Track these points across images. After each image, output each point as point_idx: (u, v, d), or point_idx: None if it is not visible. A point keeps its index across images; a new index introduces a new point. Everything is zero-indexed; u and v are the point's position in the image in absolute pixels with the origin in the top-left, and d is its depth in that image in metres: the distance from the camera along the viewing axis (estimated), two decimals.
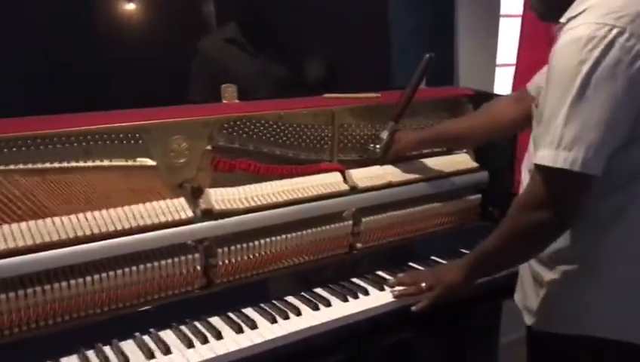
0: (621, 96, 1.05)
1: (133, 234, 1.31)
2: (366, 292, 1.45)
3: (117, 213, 1.31)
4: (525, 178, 1.36)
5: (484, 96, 1.93)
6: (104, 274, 1.28)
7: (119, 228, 1.30)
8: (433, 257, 1.69)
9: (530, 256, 1.27)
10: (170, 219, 1.35)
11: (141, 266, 1.33)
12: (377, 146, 1.70)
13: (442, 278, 1.39)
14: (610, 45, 1.04)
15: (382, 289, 1.47)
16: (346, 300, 1.42)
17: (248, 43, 1.79)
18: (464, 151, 1.94)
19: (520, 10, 2.22)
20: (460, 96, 1.93)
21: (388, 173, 1.70)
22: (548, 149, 1.11)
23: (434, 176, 1.77)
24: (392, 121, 1.70)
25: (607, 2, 1.10)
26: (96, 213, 1.30)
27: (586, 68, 1.05)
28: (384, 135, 1.69)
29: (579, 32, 1.07)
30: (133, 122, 1.38)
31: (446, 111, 1.92)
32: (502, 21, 2.27)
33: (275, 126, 1.58)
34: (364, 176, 1.66)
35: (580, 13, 1.14)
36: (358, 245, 1.67)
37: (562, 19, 1.19)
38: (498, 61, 2.30)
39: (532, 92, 1.52)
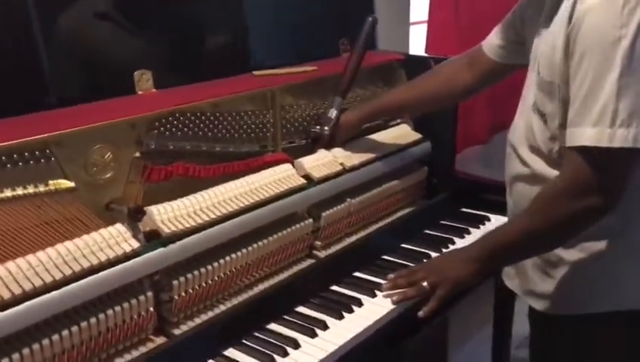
0: None
1: (57, 287, 0.96)
2: (359, 303, 1.23)
3: (29, 262, 0.95)
4: (522, 152, 1.20)
5: (416, 60, 1.77)
6: (25, 351, 0.94)
7: (37, 283, 0.94)
8: (403, 245, 1.50)
9: (565, 242, 1.12)
10: (112, 255, 1.03)
11: (73, 328, 0.98)
12: (326, 128, 1.47)
13: (446, 273, 1.21)
14: None
15: (373, 294, 1.26)
16: (341, 317, 1.19)
17: (124, 18, 1.40)
18: (399, 121, 1.77)
19: None
20: (392, 62, 1.74)
21: (338, 157, 1.48)
22: (597, 127, 0.96)
23: (385, 154, 1.58)
24: (338, 96, 1.47)
25: None
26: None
27: (631, 32, 0.93)
28: (332, 113, 1.46)
29: None
30: (40, 134, 1.02)
31: (380, 80, 1.74)
32: None
33: (212, 117, 1.29)
34: (316, 164, 1.43)
35: None
36: (318, 243, 1.44)
37: None
38: (411, 19, 2.15)
39: (489, 53, 1.37)
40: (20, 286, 0.93)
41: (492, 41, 1.37)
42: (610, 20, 0.93)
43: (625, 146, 0.95)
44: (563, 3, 1.05)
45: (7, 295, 0.92)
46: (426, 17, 2.12)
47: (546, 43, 1.09)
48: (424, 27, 2.14)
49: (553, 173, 1.13)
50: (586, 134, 0.98)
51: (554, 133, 1.10)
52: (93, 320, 1.01)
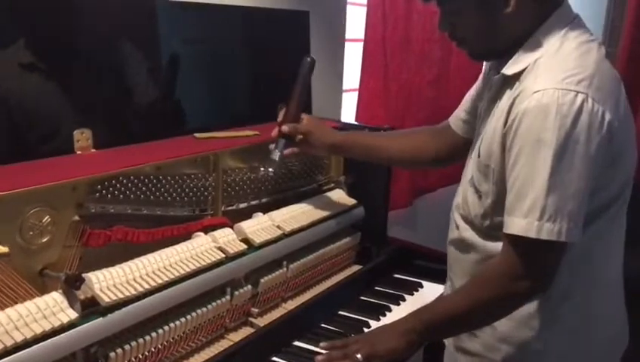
0: (594, 161, 1.03)
1: None
2: None
3: None
4: (457, 219, 1.27)
5: (351, 128, 1.82)
6: None
7: None
8: (341, 312, 1.51)
9: (499, 319, 1.18)
10: (48, 326, 0.97)
11: None
12: (270, 169, 1.46)
13: (380, 345, 1.20)
14: (579, 112, 1.01)
15: None
16: None
17: (52, 69, 1.31)
18: (333, 186, 1.80)
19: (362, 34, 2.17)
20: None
21: (276, 221, 1.48)
22: (527, 219, 1.03)
23: (322, 218, 1.59)
24: (281, 138, 1.45)
25: (558, 60, 1.07)
26: None
27: (561, 137, 1.00)
28: (275, 155, 1.44)
29: (546, 98, 1.01)
30: None
31: None
32: (346, 45, 2.18)
33: (154, 180, 1.26)
34: (256, 228, 1.42)
35: (527, 69, 1.09)
36: (254, 310, 1.42)
37: (508, 72, 1.12)
38: (344, 86, 2.21)
39: (454, 126, 1.42)
40: None
41: (457, 115, 1.42)
42: (543, 125, 1.01)
43: (550, 239, 1.03)
44: (503, 98, 1.13)
45: None
46: (357, 85, 2.20)
47: (487, 130, 1.17)
48: (355, 94, 2.21)
49: (480, 241, 1.21)
50: (517, 224, 1.05)
51: (487, 210, 1.17)
52: None
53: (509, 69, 1.12)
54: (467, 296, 1.15)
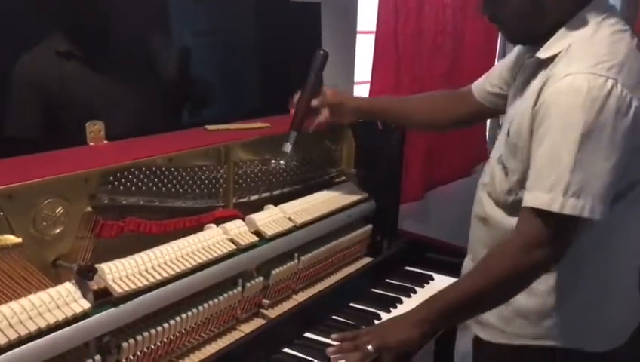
0: (620, 145, 1.05)
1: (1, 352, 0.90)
2: None
3: None
4: (481, 195, 1.32)
5: (363, 121, 1.81)
6: None
7: None
8: (352, 304, 1.51)
9: (516, 294, 1.19)
10: (61, 316, 0.98)
11: None
12: (281, 161, 1.50)
13: (392, 337, 1.20)
14: (608, 95, 1.04)
15: (326, 359, 1.24)
16: None
17: (90, 57, 1.33)
18: (344, 179, 1.80)
19: (374, 27, 2.16)
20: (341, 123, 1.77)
21: (288, 213, 1.48)
22: (550, 194, 1.06)
23: (333, 211, 1.59)
24: (293, 130, 1.47)
25: (590, 46, 1.10)
26: None
27: (590, 119, 1.04)
28: (287, 148, 1.45)
29: (577, 81, 1.05)
30: None
31: (328, 140, 1.75)
32: (358, 37, 2.18)
33: (166, 172, 1.27)
34: (267, 221, 1.42)
35: (559, 54, 1.13)
36: (265, 301, 1.42)
37: (542, 55, 1.16)
38: (355, 78, 2.21)
39: (478, 96, 1.46)
40: None
41: (483, 86, 1.46)
42: (573, 106, 1.04)
43: (573, 214, 1.05)
44: (536, 80, 1.17)
45: None
46: (368, 78, 2.19)
47: (517, 111, 1.20)
48: (367, 87, 2.21)
49: (504, 217, 1.25)
50: (541, 198, 1.08)
51: (512, 186, 1.21)
52: None
53: (543, 53, 1.16)
54: (482, 271, 1.17)
